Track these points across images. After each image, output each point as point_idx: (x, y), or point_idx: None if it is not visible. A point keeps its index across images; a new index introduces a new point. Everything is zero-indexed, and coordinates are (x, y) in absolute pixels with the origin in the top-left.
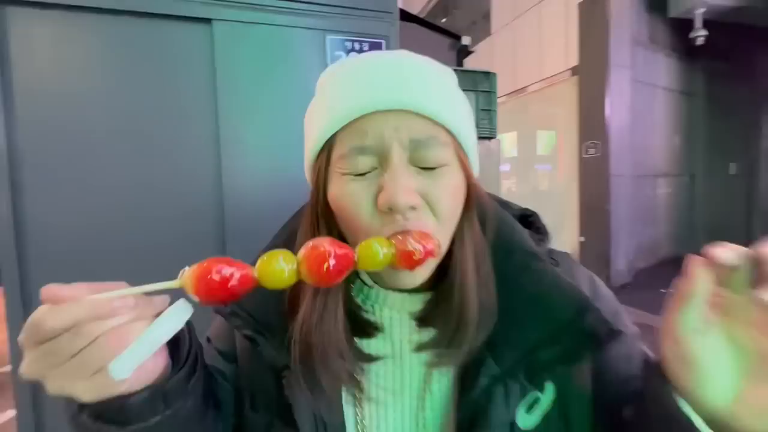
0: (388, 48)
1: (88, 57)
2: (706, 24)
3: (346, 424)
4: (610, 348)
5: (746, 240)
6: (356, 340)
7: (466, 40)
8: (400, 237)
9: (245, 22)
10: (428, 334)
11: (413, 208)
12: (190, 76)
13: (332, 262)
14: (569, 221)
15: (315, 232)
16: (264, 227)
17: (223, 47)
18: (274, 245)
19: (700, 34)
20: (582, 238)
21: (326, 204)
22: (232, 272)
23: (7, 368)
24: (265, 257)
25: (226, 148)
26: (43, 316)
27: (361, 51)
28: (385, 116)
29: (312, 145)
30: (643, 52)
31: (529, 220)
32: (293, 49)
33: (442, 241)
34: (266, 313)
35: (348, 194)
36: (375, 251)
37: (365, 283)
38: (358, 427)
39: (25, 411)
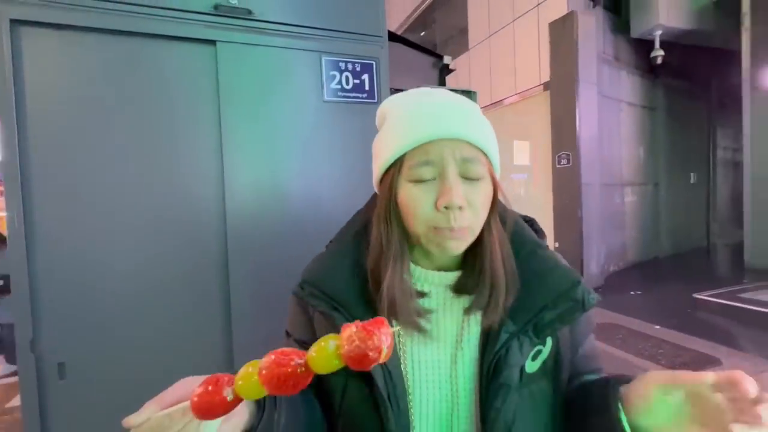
0: (378, 68)
1: (99, 75)
2: (665, 45)
3: (400, 364)
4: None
5: (706, 243)
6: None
7: (447, 60)
8: (356, 340)
9: (247, 44)
10: (465, 300)
11: (461, 207)
12: (195, 94)
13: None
14: (545, 227)
15: (388, 224)
16: (264, 233)
17: (227, 67)
18: (355, 232)
19: (658, 54)
20: (557, 244)
21: (396, 203)
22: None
23: None
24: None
25: (228, 160)
26: None
27: (354, 71)
28: (444, 141)
29: (384, 159)
30: (609, 70)
31: (527, 222)
32: (292, 69)
33: (476, 228)
34: (341, 292)
35: (414, 196)
36: (329, 353)
37: (416, 263)
38: (406, 362)
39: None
